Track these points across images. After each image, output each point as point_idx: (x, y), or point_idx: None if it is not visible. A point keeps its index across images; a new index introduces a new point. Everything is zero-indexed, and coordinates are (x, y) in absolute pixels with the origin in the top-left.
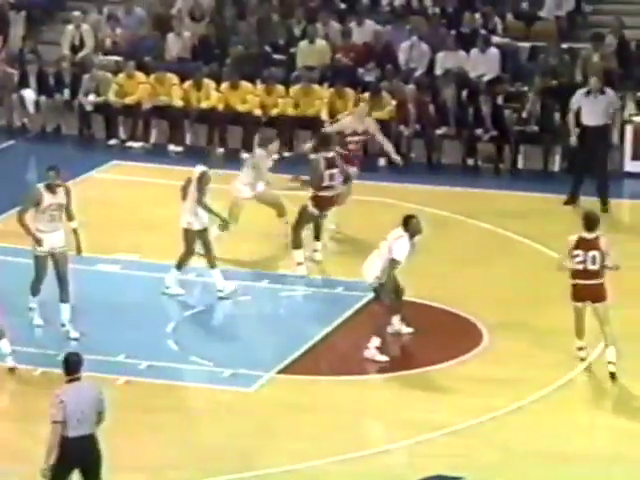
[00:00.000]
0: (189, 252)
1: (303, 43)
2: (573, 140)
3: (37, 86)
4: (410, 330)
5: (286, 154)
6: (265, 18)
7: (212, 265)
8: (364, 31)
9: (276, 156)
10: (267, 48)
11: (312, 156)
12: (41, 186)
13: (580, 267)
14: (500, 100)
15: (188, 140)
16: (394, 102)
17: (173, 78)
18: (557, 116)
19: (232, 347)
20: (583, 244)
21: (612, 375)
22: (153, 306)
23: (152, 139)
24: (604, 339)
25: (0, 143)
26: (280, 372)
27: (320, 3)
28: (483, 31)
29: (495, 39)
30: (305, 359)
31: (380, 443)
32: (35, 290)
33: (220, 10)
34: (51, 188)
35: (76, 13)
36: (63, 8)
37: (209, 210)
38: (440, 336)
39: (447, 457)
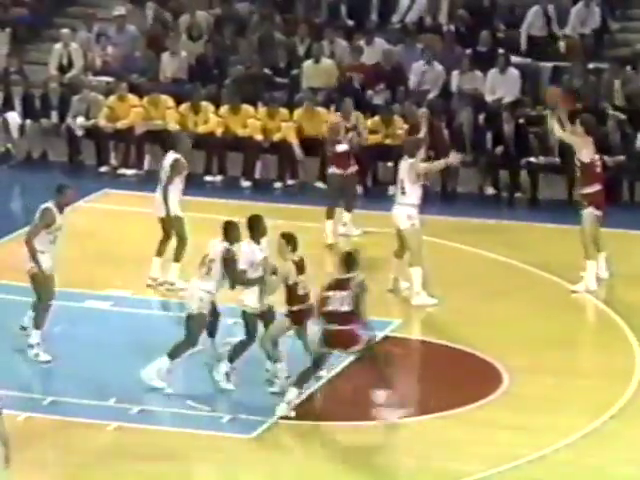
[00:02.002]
0: (183, 240)
1: (308, 63)
2: None
3: (22, 109)
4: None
5: (290, 182)
6: (267, 36)
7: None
8: (373, 50)
9: (279, 184)
10: (268, 71)
11: None
12: (52, 206)
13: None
14: (521, 125)
15: None
16: (406, 126)
17: (168, 100)
18: None
19: (231, 390)
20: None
21: None
22: (146, 346)
23: (146, 166)
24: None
25: None
26: (283, 417)
27: (326, 19)
28: (501, 50)
29: (515, 59)
30: (310, 403)
31: None
32: (40, 320)
33: (219, 28)
34: (61, 208)
35: (64, 31)
36: (50, 25)
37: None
38: (456, 378)
39: None
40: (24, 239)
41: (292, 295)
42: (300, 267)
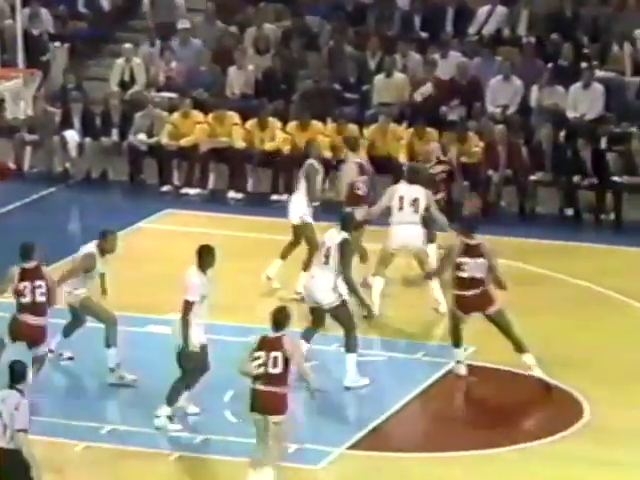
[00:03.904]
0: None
1: (379, 77)
2: None
3: (81, 127)
4: (196, 410)
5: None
6: (337, 50)
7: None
8: (448, 63)
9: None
10: (337, 85)
11: None
12: (95, 251)
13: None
14: (603, 143)
15: (250, 186)
16: (482, 144)
17: (234, 117)
18: None
19: (297, 418)
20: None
21: None
22: (209, 372)
23: (210, 185)
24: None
25: (39, 191)
26: (350, 447)
27: (398, 32)
28: (585, 64)
29: (599, 73)
30: (378, 433)
31: None
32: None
33: (287, 41)
34: (103, 252)
35: (127, 45)
36: (111, 40)
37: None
38: (535, 409)
39: None
40: (58, 279)
41: None
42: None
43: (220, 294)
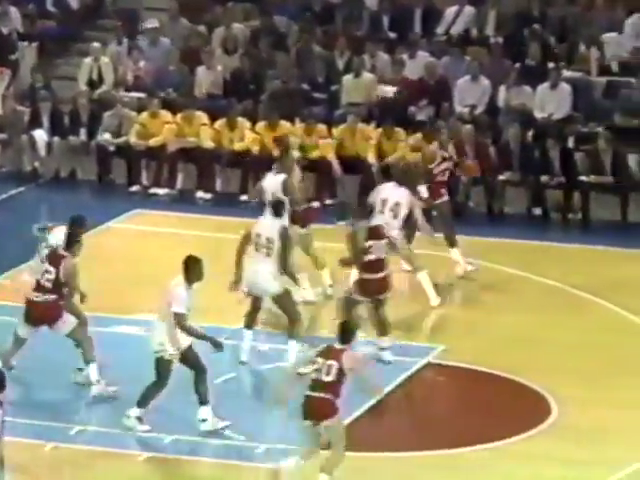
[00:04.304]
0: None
1: (347, 77)
2: None
3: (50, 126)
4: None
5: (328, 202)
6: (305, 50)
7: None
8: (416, 63)
9: (316, 204)
10: (306, 85)
11: None
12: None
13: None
14: (571, 143)
15: (219, 186)
16: (450, 144)
17: (203, 117)
18: (632, 160)
19: (267, 419)
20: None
21: None
22: (178, 373)
23: (178, 185)
24: None
25: (8, 190)
26: (322, 447)
27: (367, 32)
28: (552, 64)
29: (566, 73)
30: (348, 433)
31: None
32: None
33: (255, 41)
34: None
35: (95, 44)
36: (80, 39)
37: None
38: (502, 409)
39: None
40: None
41: None
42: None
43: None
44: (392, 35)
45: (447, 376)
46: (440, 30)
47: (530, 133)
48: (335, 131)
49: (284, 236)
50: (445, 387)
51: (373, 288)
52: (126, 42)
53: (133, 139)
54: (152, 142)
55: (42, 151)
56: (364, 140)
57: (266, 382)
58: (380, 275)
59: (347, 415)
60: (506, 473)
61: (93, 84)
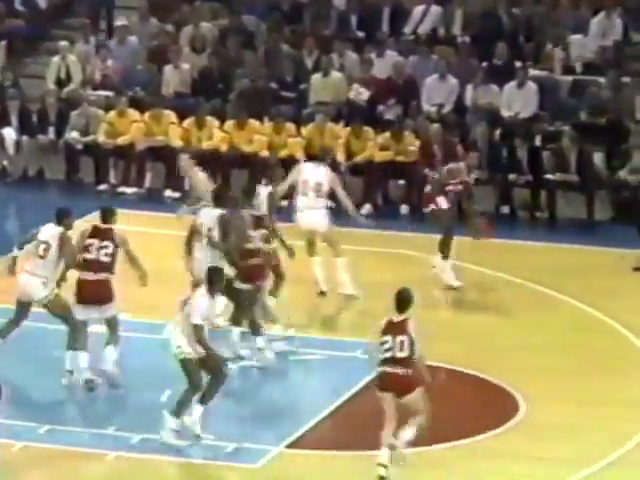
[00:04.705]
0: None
1: (316, 76)
2: None
3: (18, 124)
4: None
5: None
6: (273, 49)
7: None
8: (384, 62)
9: (285, 202)
10: (274, 84)
11: None
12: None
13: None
14: (537, 141)
15: (187, 185)
16: (418, 143)
17: (171, 116)
18: (598, 159)
19: (236, 418)
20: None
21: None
22: (147, 372)
23: (147, 184)
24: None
25: None
26: (289, 446)
27: (335, 31)
28: (519, 63)
29: (532, 72)
30: (317, 432)
31: None
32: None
33: (223, 40)
34: None
35: (63, 43)
36: (48, 37)
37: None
38: (470, 406)
39: None
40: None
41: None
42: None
43: (163, 293)
44: (360, 34)
45: None
46: (408, 29)
47: (497, 132)
48: (304, 130)
49: (220, 223)
50: None
51: (250, 275)
52: (94, 41)
53: (101, 138)
54: (120, 141)
55: (10, 150)
56: (333, 139)
57: (235, 382)
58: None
59: (316, 414)
60: (473, 471)
61: (61, 83)
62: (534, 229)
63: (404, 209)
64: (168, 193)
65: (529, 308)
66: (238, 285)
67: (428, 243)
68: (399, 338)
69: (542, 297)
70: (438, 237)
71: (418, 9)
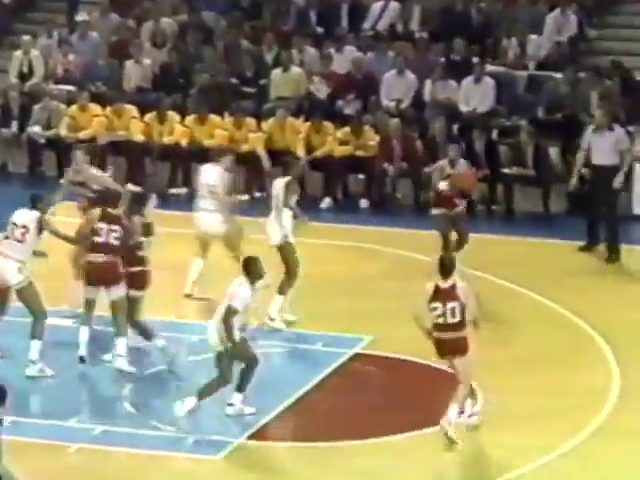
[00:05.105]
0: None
1: (276, 71)
2: (573, 183)
3: None
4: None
5: (257, 194)
6: (233, 44)
7: None
8: (344, 58)
9: (246, 197)
10: (235, 80)
11: None
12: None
13: (440, 321)
14: (494, 136)
15: (149, 179)
16: (377, 137)
17: (132, 110)
18: (554, 153)
19: (196, 410)
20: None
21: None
22: (107, 365)
23: None
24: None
25: None
26: (250, 438)
27: (294, 27)
28: (476, 59)
29: (489, 67)
30: (278, 423)
31: None
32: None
33: (184, 35)
34: None
35: (25, 37)
36: (10, 32)
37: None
38: (430, 397)
39: None
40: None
41: (431, 321)
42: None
43: None
44: (319, 30)
45: (375, 366)
46: (367, 25)
47: (455, 126)
48: (264, 125)
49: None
50: (373, 377)
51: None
52: (56, 35)
53: (63, 132)
54: (82, 135)
55: None
56: (293, 134)
57: (195, 374)
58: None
59: (277, 406)
60: (432, 459)
61: (24, 77)
62: (491, 222)
63: (363, 203)
64: (130, 187)
65: (487, 300)
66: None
67: (387, 237)
68: (450, 305)
69: (500, 289)
70: (397, 230)
71: (377, 5)
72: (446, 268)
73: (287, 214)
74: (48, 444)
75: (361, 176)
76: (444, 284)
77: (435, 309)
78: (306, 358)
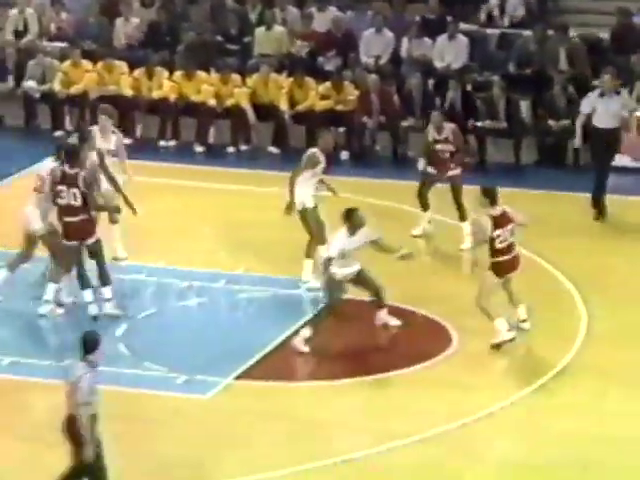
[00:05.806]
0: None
1: (259, 30)
2: (577, 142)
3: None
4: (398, 323)
5: (243, 147)
6: (218, 3)
7: None
8: (325, 17)
9: (232, 149)
10: (220, 37)
11: None
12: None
13: (504, 245)
14: (468, 89)
15: (138, 132)
16: (356, 92)
17: (122, 66)
18: (524, 106)
19: (187, 352)
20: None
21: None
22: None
23: None
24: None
25: None
26: (237, 378)
27: None
28: (450, 18)
29: (463, 26)
30: (264, 364)
31: (340, 453)
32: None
33: None
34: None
35: None
36: None
37: None
38: (405, 339)
39: (413, 468)
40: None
41: (493, 248)
42: (499, 221)
43: (111, 236)
44: None
45: (350, 308)
46: None
47: (431, 82)
48: (249, 80)
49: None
50: (348, 319)
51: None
52: None
53: (57, 87)
54: (74, 90)
55: None
56: (276, 89)
57: (185, 317)
58: (77, 219)
59: (263, 348)
60: (406, 399)
61: (19, 34)
62: (464, 173)
63: (344, 155)
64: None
65: (459, 246)
66: (64, 242)
67: (367, 187)
68: (508, 227)
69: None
70: (375, 181)
71: None
72: (490, 195)
73: (304, 182)
74: (49, 383)
75: (341, 129)
76: (495, 211)
77: (498, 236)
78: (290, 302)
